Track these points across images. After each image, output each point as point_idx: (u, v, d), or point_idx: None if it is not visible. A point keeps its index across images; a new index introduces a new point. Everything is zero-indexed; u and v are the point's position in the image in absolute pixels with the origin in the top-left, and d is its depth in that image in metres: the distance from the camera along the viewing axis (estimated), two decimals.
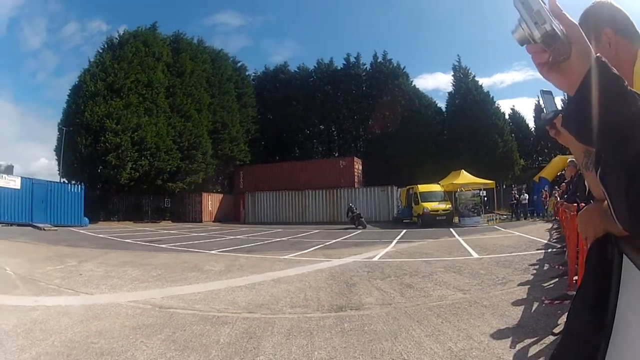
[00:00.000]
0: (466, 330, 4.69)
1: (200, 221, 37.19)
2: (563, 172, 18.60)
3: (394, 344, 4.38)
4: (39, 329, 5.04)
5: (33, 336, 4.75)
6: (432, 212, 25.60)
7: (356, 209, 29.05)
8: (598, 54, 0.85)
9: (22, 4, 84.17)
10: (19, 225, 23.49)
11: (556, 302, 5.55)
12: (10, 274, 8.77)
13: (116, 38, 39.98)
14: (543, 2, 0.87)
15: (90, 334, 4.87)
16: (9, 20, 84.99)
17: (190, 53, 43.24)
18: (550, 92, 1.48)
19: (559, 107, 1.41)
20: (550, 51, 0.88)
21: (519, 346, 4.16)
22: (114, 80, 35.35)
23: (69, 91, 37.59)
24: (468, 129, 42.39)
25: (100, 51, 39.25)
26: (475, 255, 11.09)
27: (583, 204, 4.91)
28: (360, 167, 41.09)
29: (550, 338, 4.29)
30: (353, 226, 26.77)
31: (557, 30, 0.86)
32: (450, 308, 5.76)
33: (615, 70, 0.83)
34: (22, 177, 26.21)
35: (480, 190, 27.76)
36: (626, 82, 0.81)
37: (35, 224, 23.73)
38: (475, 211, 26.13)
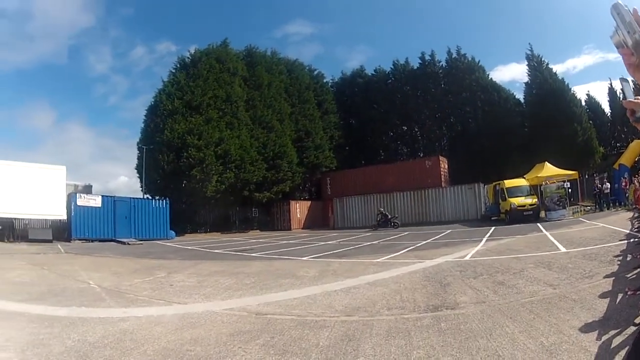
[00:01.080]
0: (557, 325, 4.74)
1: (289, 229, 37.44)
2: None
3: (489, 340, 4.43)
4: (129, 339, 4.96)
5: (123, 346, 4.69)
6: (519, 208, 24.68)
7: (388, 213, 31.46)
8: None
9: (79, 33, 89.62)
10: (100, 241, 24.28)
11: (638, 292, 5.56)
12: (95, 287, 8.82)
13: (188, 57, 40.58)
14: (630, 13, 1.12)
15: (185, 342, 4.82)
16: (68, 49, 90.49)
17: (266, 65, 43.87)
18: (627, 80, 1.56)
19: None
20: (638, 55, 1.13)
21: (604, 338, 4.17)
22: (191, 97, 36.33)
23: (145, 111, 38.79)
24: (548, 119, 40.17)
25: (174, 71, 40.06)
26: (563, 250, 11.07)
27: None
28: (446, 166, 40.11)
29: (632, 328, 4.28)
30: (376, 228, 29.77)
31: None
32: (541, 303, 5.80)
33: None
34: (102, 195, 27.44)
35: (564, 182, 26.46)
36: None
37: (118, 239, 24.58)
38: (561, 204, 24.81)
